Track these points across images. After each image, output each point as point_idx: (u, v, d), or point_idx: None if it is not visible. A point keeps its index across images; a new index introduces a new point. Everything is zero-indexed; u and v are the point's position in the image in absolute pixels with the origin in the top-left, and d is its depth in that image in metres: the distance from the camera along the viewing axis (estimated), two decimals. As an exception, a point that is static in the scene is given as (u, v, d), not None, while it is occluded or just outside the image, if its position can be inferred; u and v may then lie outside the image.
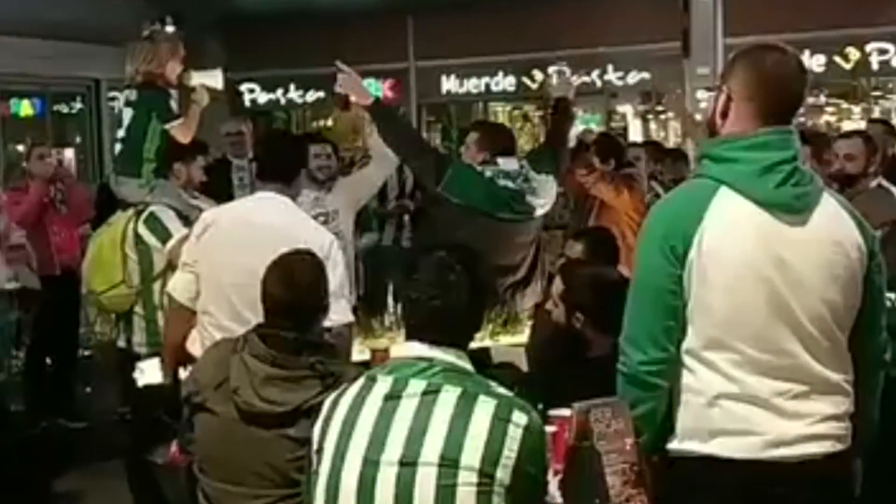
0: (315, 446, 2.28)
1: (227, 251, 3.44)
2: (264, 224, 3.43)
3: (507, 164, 4.45)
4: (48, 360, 6.39)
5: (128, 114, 4.67)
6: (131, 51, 4.75)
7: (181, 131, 4.55)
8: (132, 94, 4.68)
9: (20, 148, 10.44)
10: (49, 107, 10.84)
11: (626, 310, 2.29)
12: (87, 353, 6.57)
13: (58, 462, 5.55)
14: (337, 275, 3.31)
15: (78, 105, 10.80)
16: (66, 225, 6.48)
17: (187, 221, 4.32)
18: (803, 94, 2.30)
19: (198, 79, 4.75)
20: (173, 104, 4.65)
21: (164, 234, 4.32)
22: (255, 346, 2.78)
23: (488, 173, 4.39)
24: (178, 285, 3.62)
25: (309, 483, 2.29)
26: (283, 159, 3.68)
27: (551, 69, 5.08)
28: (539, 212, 4.48)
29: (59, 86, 10.45)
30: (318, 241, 3.32)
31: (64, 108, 11.06)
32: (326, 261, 3.18)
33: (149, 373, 4.05)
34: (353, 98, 4.43)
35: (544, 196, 4.48)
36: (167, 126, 4.52)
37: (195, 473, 2.84)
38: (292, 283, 2.84)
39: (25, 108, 10.95)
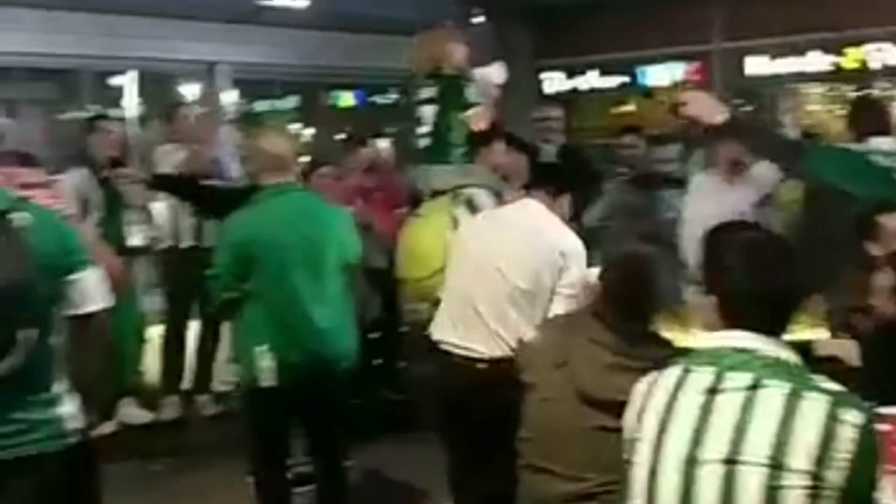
0: (629, 435, 2.26)
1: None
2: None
3: (881, 143, 4.16)
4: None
5: (430, 110, 4.87)
6: (415, 44, 4.96)
7: (476, 120, 4.70)
8: (431, 91, 4.88)
9: (339, 137, 11.13)
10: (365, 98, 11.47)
11: None
12: (403, 329, 6.86)
13: (375, 429, 5.87)
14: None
15: (393, 96, 11.30)
16: (382, 210, 6.81)
17: (501, 202, 4.46)
18: None
19: (480, 72, 4.90)
20: (470, 91, 4.81)
21: None
22: (596, 332, 2.85)
23: (859, 149, 4.15)
24: None
25: (624, 472, 2.28)
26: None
27: None
28: None
29: (375, 78, 10.95)
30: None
31: (379, 99, 11.66)
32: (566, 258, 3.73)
33: None
34: (702, 118, 4.19)
35: None
36: (464, 115, 4.69)
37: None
38: (629, 278, 2.90)
39: (346, 99, 11.64)
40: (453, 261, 4.13)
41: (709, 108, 4.05)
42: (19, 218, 2.95)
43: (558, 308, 3.68)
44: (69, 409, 3.09)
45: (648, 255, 3.02)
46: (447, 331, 3.99)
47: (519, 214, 3.99)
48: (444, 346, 3.99)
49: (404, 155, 6.59)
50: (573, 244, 3.86)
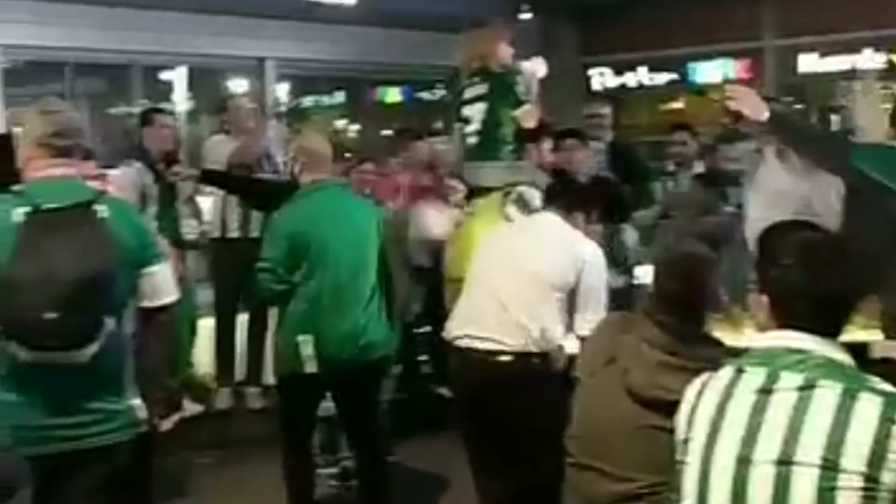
0: (681, 436, 2.25)
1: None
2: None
3: None
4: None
5: (479, 107, 4.88)
6: (462, 42, 4.97)
7: (526, 117, 4.72)
8: (481, 88, 4.88)
9: (385, 133, 11.15)
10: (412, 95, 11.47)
11: None
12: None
13: (425, 425, 5.89)
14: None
15: (440, 92, 11.27)
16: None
17: None
18: None
19: (524, 66, 4.89)
20: (519, 88, 4.81)
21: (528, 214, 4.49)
22: (648, 330, 2.83)
23: None
24: None
25: (674, 473, 2.27)
26: None
27: None
28: None
29: (422, 74, 10.95)
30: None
31: (426, 96, 11.66)
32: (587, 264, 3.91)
33: None
34: (746, 113, 4.21)
35: None
36: (515, 112, 4.70)
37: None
38: (685, 278, 2.89)
39: (392, 95, 11.66)
40: (480, 260, 4.24)
41: (754, 105, 4.05)
42: (102, 210, 3.01)
43: (592, 319, 3.76)
44: (137, 400, 3.15)
45: (705, 256, 3.01)
46: (467, 326, 4.05)
47: (542, 223, 4.17)
48: (462, 343, 4.04)
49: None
50: (594, 252, 4.02)
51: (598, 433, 2.87)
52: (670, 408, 2.55)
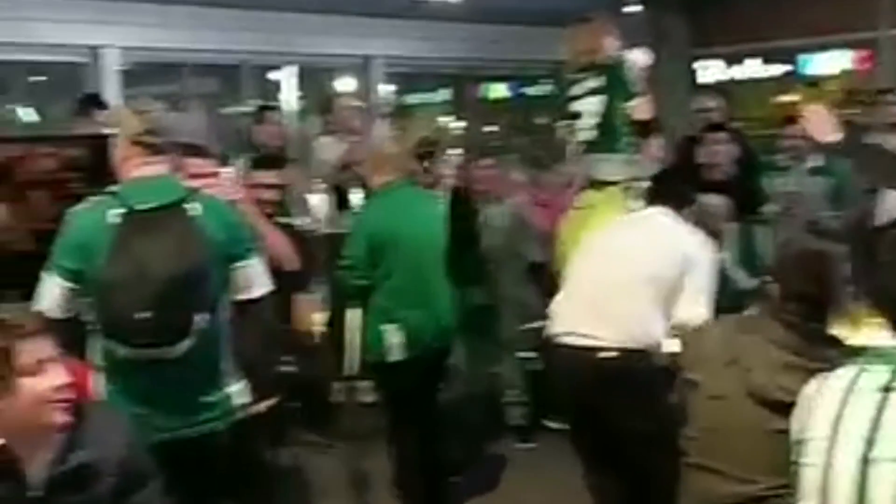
0: (799, 436, 2.22)
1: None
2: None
3: None
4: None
5: (596, 100, 4.82)
6: (567, 37, 4.92)
7: (640, 110, 4.67)
8: (594, 83, 4.83)
9: (491, 129, 11.14)
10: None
11: None
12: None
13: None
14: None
15: (546, 87, 11.20)
16: (542, 204, 6.75)
17: None
18: None
19: (629, 56, 4.84)
20: (629, 80, 4.76)
21: None
22: (774, 331, 2.79)
23: None
24: None
25: (793, 474, 2.24)
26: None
27: None
28: None
29: (527, 69, 10.93)
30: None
31: (530, 91, 11.61)
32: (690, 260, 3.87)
33: None
34: (814, 135, 4.14)
35: None
36: (627, 105, 4.66)
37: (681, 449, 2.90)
38: (814, 277, 2.84)
39: (497, 90, 11.63)
40: (579, 257, 4.23)
41: (822, 127, 4.01)
42: (193, 208, 3.10)
43: (688, 308, 3.77)
44: (235, 387, 3.25)
45: (835, 253, 2.93)
46: (566, 323, 4.02)
47: (646, 217, 4.17)
48: (563, 339, 4.01)
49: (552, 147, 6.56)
50: (697, 248, 3.97)
51: (718, 434, 2.82)
52: (790, 409, 2.50)
